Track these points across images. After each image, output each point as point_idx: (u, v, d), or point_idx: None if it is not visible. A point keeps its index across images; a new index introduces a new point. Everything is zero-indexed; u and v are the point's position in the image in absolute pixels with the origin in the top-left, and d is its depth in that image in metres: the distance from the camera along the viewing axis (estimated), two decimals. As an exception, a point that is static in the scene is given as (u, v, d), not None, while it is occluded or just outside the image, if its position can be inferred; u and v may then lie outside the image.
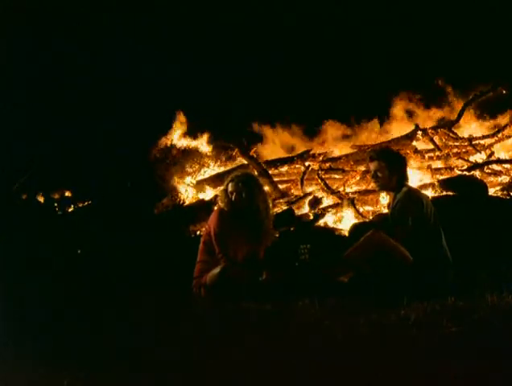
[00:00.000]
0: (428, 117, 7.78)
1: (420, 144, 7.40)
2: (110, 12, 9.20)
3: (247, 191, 4.38)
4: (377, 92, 8.05)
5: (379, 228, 4.18)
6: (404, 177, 4.34)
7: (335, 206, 6.39)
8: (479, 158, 7.13)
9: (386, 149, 4.63)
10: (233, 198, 4.35)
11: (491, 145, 7.26)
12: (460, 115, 7.56)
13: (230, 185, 4.40)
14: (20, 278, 4.82)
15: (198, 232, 6.17)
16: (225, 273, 4.14)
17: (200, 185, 7.25)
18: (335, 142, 7.90)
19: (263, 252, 4.44)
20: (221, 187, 4.65)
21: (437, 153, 7.21)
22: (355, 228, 5.34)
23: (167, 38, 9.14)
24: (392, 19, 8.76)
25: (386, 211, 5.23)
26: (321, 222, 6.14)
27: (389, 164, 4.29)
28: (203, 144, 7.68)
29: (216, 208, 4.58)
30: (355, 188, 6.89)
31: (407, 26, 8.64)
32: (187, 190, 7.19)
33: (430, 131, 7.36)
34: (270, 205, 4.72)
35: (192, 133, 7.77)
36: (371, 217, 6.05)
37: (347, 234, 5.61)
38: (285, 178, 7.46)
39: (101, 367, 2.68)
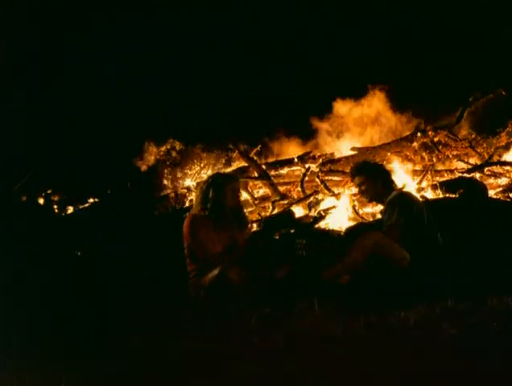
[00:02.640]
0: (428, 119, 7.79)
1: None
2: (109, 16, 9.22)
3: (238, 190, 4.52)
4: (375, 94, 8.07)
5: (375, 229, 4.20)
6: (389, 182, 4.41)
7: (335, 208, 6.38)
8: (479, 159, 7.14)
9: (361, 162, 4.77)
10: (232, 198, 4.39)
11: (491, 147, 7.26)
12: (460, 117, 7.57)
13: (230, 186, 4.42)
14: (20, 279, 4.82)
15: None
16: (224, 274, 4.14)
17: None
18: (335, 144, 7.93)
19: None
20: (198, 192, 4.59)
21: (437, 155, 7.21)
22: (350, 231, 5.31)
23: (169, 41, 9.17)
24: (394, 17, 8.78)
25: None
26: (321, 224, 6.13)
27: (368, 176, 4.41)
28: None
29: (187, 218, 4.44)
30: (355, 190, 6.88)
31: (407, 26, 8.66)
32: (187, 192, 7.19)
33: (430, 133, 7.37)
34: None
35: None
36: (371, 219, 6.05)
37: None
38: (285, 180, 7.46)
39: (100, 368, 2.68)
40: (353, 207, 6.16)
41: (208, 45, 9.18)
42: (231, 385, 2.45)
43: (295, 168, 7.46)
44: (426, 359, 2.56)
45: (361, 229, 4.46)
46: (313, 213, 6.30)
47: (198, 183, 4.64)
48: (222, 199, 4.38)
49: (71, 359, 2.82)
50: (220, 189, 4.40)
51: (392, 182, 4.49)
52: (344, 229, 5.64)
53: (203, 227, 4.31)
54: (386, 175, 4.49)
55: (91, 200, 7.35)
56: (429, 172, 6.76)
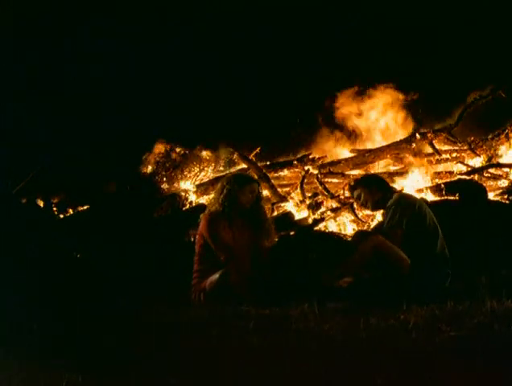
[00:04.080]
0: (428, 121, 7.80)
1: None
2: (110, 16, 9.22)
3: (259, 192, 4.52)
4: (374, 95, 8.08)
5: (377, 232, 4.22)
6: (384, 186, 4.55)
7: (334, 210, 6.39)
8: (478, 161, 7.14)
9: (358, 177, 4.93)
10: (249, 199, 4.40)
11: (490, 149, 7.26)
12: (459, 119, 7.57)
13: (248, 187, 4.43)
14: (20, 280, 4.82)
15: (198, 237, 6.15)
16: (225, 278, 4.14)
17: (199, 189, 7.25)
18: (334, 146, 7.94)
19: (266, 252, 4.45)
20: (217, 191, 4.58)
21: (436, 157, 7.22)
22: (358, 235, 5.31)
23: (169, 40, 9.17)
24: (394, 19, 8.78)
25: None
26: (321, 226, 6.14)
27: (362, 186, 4.53)
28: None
29: (205, 215, 4.46)
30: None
31: (407, 28, 8.66)
32: (186, 194, 7.19)
33: (429, 135, 7.37)
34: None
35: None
36: (370, 221, 6.05)
37: (347, 238, 5.61)
38: (285, 182, 7.46)
39: (101, 368, 2.68)
40: (353, 209, 6.16)
41: (207, 45, 9.18)
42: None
43: (294, 170, 7.47)
44: (425, 363, 2.56)
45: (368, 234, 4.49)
46: (313, 215, 6.31)
47: (221, 181, 4.61)
48: (238, 198, 4.39)
49: (71, 359, 2.82)
50: (238, 188, 4.40)
51: (387, 185, 4.60)
52: (350, 233, 5.68)
53: (220, 224, 4.32)
54: (378, 181, 4.62)
55: (90, 202, 7.34)
56: (428, 174, 6.76)
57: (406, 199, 4.37)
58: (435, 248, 4.19)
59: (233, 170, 7.56)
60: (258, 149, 7.61)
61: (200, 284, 4.26)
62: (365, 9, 8.93)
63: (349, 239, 5.56)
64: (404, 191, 4.82)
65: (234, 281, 4.11)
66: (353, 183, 4.70)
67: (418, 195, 5.96)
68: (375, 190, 4.48)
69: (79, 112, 8.75)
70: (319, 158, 7.51)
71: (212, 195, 4.80)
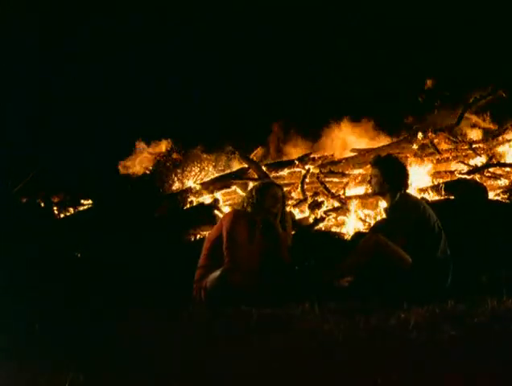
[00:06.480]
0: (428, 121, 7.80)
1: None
2: (111, 17, 9.23)
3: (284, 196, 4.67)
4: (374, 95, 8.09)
5: (378, 232, 4.20)
6: (401, 184, 4.33)
7: (335, 209, 6.39)
8: (479, 161, 7.13)
9: (387, 156, 4.68)
10: (271, 202, 4.45)
11: (491, 148, 7.25)
12: (460, 118, 7.56)
13: (270, 191, 4.51)
14: (20, 280, 4.82)
15: (198, 236, 6.17)
16: (226, 276, 4.13)
17: (199, 188, 7.25)
18: (335, 146, 7.94)
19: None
20: (246, 193, 4.80)
21: (437, 156, 7.21)
22: (357, 236, 5.31)
23: (168, 39, 9.18)
24: (394, 19, 8.78)
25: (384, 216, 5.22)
26: (321, 225, 6.14)
27: (383, 171, 4.32)
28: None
29: (231, 212, 4.63)
30: (355, 192, 6.88)
31: (407, 29, 8.66)
32: (186, 194, 7.20)
33: (430, 134, 7.36)
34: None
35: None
36: (371, 221, 6.05)
37: (348, 237, 5.62)
38: (285, 182, 7.46)
39: (101, 368, 2.68)
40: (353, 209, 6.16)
41: (206, 45, 9.19)
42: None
43: (295, 169, 7.47)
44: (426, 363, 2.56)
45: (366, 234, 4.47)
46: (313, 215, 6.31)
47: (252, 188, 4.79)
48: (262, 201, 4.45)
49: (71, 359, 2.82)
50: (262, 193, 4.50)
51: (405, 181, 4.38)
52: (352, 235, 5.67)
53: (242, 222, 4.34)
54: (402, 178, 4.37)
55: (91, 202, 7.35)
56: (429, 174, 6.76)
57: (409, 200, 4.31)
58: (437, 249, 4.17)
59: (233, 169, 7.57)
60: (258, 149, 7.61)
61: (202, 281, 4.26)
62: (365, 9, 8.93)
63: (350, 238, 5.58)
64: (407, 191, 4.72)
65: (236, 280, 4.11)
66: (378, 161, 4.44)
67: (418, 195, 5.97)
68: (389, 183, 4.29)
69: (79, 111, 8.76)
70: (319, 158, 7.51)
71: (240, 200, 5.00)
